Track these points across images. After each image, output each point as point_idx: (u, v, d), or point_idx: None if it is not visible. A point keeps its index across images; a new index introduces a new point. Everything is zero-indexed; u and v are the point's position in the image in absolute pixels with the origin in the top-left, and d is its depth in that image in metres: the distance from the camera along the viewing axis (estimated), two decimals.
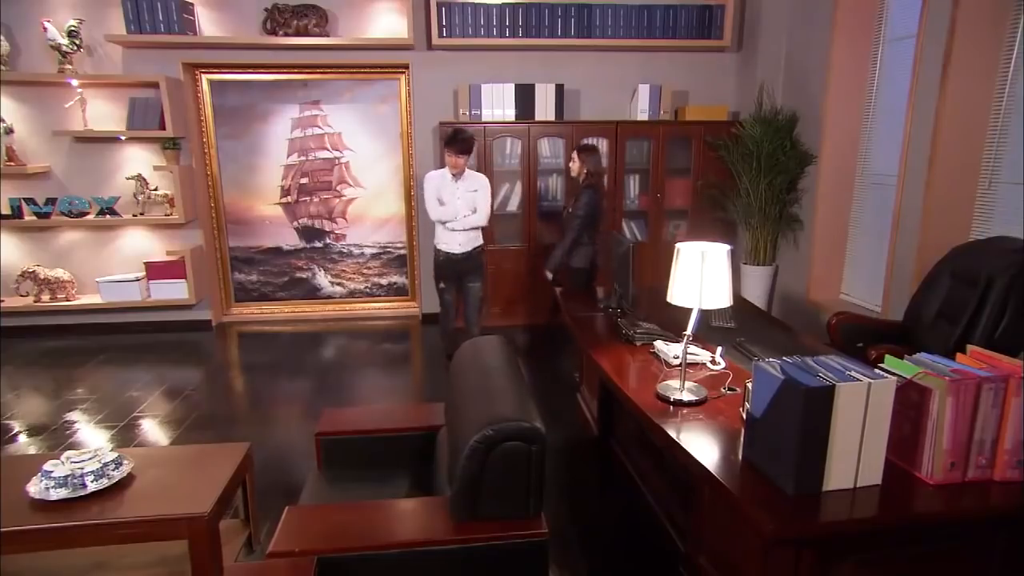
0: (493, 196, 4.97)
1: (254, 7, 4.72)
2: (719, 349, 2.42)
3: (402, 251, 5.53)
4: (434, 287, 4.25)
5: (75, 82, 4.58)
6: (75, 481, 1.93)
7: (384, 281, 5.59)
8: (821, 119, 4.41)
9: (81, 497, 1.91)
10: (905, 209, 3.63)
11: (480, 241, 4.09)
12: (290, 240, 5.43)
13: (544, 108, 4.93)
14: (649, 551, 2.44)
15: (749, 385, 1.86)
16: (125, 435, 3.40)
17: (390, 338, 5.10)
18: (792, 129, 4.71)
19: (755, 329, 2.81)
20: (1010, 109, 3.17)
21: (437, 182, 3.96)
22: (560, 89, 4.92)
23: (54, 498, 1.89)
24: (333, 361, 4.60)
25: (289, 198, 5.34)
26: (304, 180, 5.32)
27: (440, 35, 4.74)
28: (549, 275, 4.27)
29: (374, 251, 5.53)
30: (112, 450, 2.05)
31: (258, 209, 5.33)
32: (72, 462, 1.96)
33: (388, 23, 4.88)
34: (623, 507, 2.76)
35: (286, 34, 4.62)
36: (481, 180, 4.00)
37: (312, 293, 5.56)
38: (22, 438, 3.36)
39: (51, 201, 4.72)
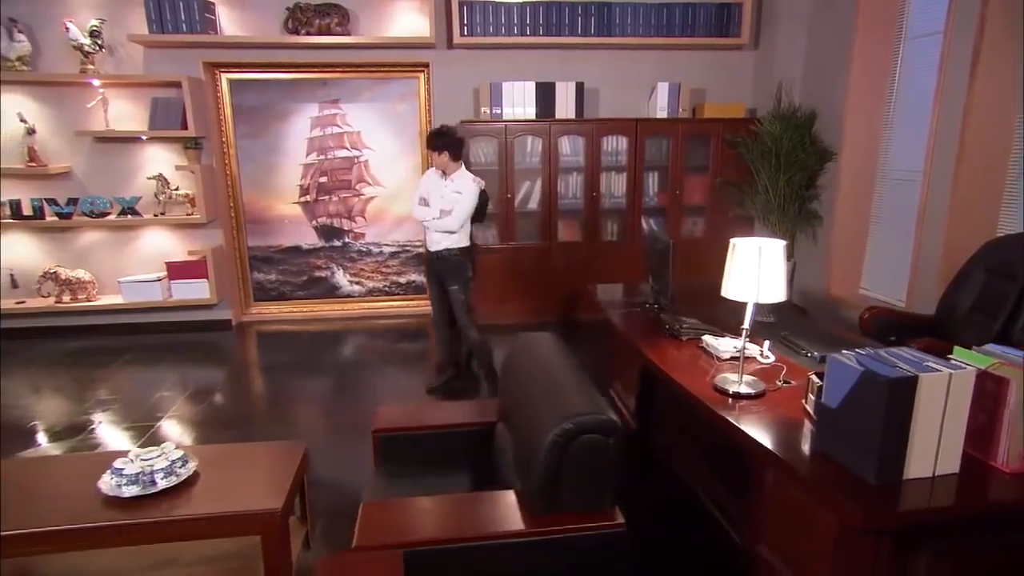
0: (512, 193, 5.03)
1: (275, 6, 4.72)
2: (766, 343, 2.45)
3: (420, 249, 5.54)
4: None
5: (97, 82, 4.57)
6: (145, 478, 1.95)
7: (403, 280, 5.60)
8: (842, 116, 4.46)
9: (152, 494, 1.93)
10: (931, 205, 3.67)
11: (456, 244, 3.74)
12: (309, 239, 5.44)
13: (564, 106, 4.96)
14: (699, 542, 2.48)
15: (813, 378, 1.91)
16: (158, 435, 3.40)
17: (409, 337, 5.12)
18: (811, 126, 4.75)
19: (795, 323, 2.85)
20: None
21: (426, 180, 3.87)
22: (580, 87, 4.95)
23: (126, 495, 1.91)
24: (353, 360, 4.61)
25: (308, 197, 5.35)
26: (323, 179, 5.33)
27: (462, 34, 4.75)
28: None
29: (393, 250, 5.55)
30: (176, 448, 2.07)
31: (277, 208, 5.33)
32: (141, 460, 1.98)
33: (408, 22, 4.89)
34: (667, 500, 2.79)
35: (308, 33, 4.62)
36: (467, 185, 3.69)
37: (331, 292, 5.57)
38: (47, 439, 3.35)
39: (72, 201, 4.71)
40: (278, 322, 5.43)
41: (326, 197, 5.37)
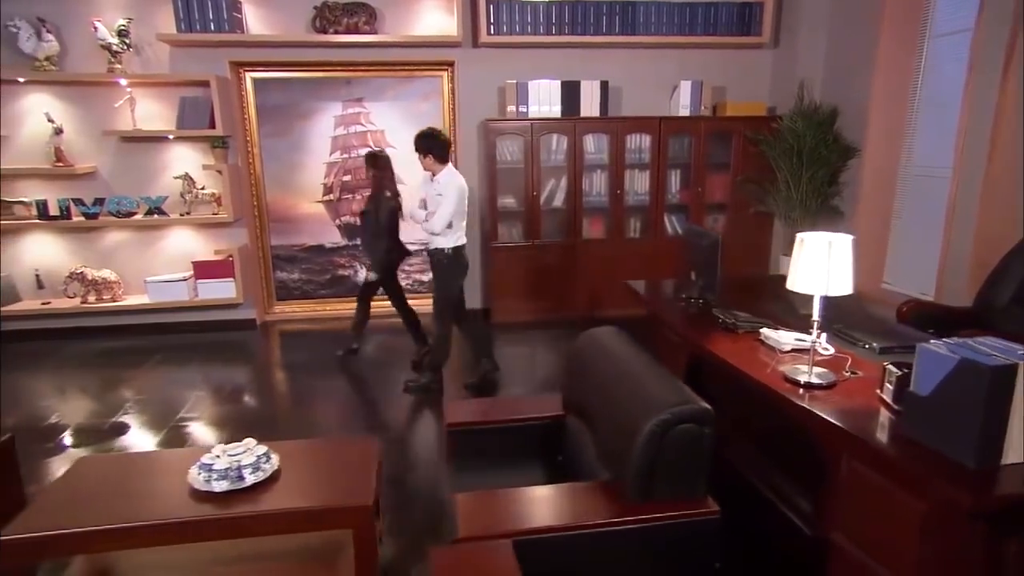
0: (537, 191, 5.06)
1: (301, 5, 4.72)
2: (823, 335, 2.50)
3: None
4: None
5: (124, 81, 4.55)
6: (233, 473, 1.96)
7: (425, 278, 5.62)
8: (865, 113, 4.53)
9: (242, 489, 1.95)
10: (960, 201, 3.75)
11: (442, 244, 3.77)
12: (332, 238, 5.44)
13: (589, 105, 5.00)
14: (762, 530, 2.53)
15: (890, 367, 1.96)
16: (201, 434, 3.41)
17: (431, 334, 5.13)
18: (833, 123, 4.82)
19: (840, 316, 2.90)
20: None
21: (423, 182, 3.92)
22: (605, 86, 5.00)
23: (217, 490, 1.93)
24: (379, 359, 4.61)
25: (332, 196, 5.36)
26: (347, 178, 5.33)
27: (489, 32, 4.78)
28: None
29: (415, 248, 5.54)
30: (259, 444, 2.09)
31: (301, 207, 5.33)
32: (229, 455, 2.00)
33: (433, 20, 4.91)
34: (725, 489, 2.83)
35: (336, 32, 4.63)
36: (448, 188, 3.67)
37: (353, 291, 5.54)
38: (97, 439, 3.35)
39: (99, 201, 4.69)
40: (300, 321, 5.44)
41: (349, 195, 5.37)
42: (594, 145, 5.11)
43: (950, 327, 2.97)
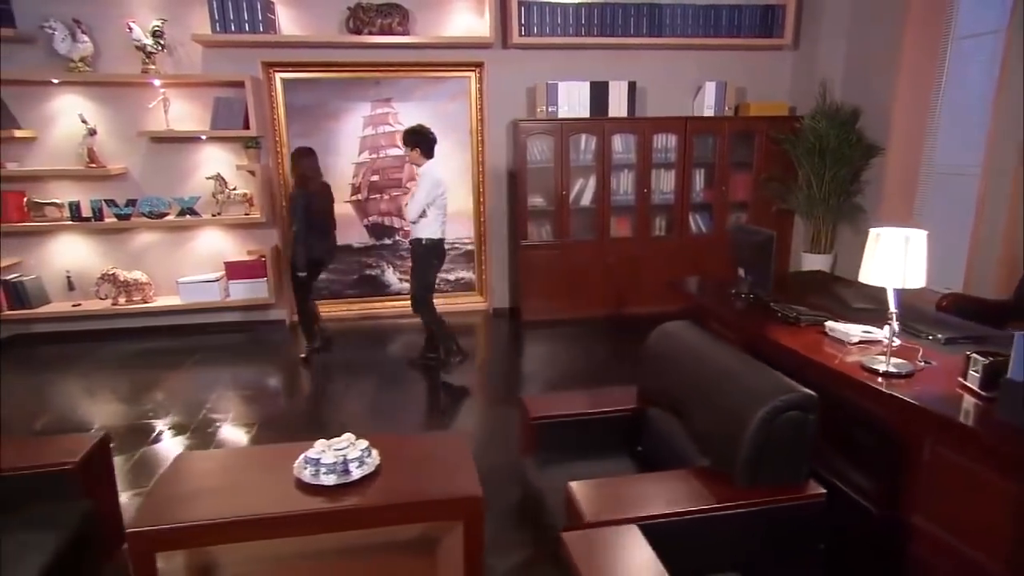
0: (567, 190, 5.13)
1: (333, 5, 4.75)
2: (886, 327, 2.60)
3: (469, 247, 5.62)
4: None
5: (158, 82, 4.55)
6: (340, 467, 2.01)
7: (452, 277, 5.67)
8: (889, 113, 4.65)
9: (350, 483, 1.99)
10: (990, 198, 3.88)
11: (418, 234, 4.08)
12: (360, 238, 5.47)
13: (617, 105, 5.08)
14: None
15: (976, 356, 2.05)
16: (261, 433, 3.44)
17: (459, 333, 5.18)
18: (855, 123, 4.94)
19: (907, 312, 3.00)
20: None
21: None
22: (632, 87, 5.08)
23: (326, 483, 1.97)
24: (408, 357, 4.63)
25: (360, 196, 5.38)
26: (375, 178, 5.36)
27: (520, 34, 4.84)
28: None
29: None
30: (360, 439, 2.13)
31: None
32: (335, 450, 2.04)
33: (463, 21, 4.96)
34: None
35: (370, 33, 4.67)
36: (422, 179, 3.99)
37: (380, 290, 5.61)
38: (162, 439, 3.36)
39: (131, 202, 4.68)
40: (329, 321, 5.43)
41: (377, 195, 5.40)
42: (622, 145, 5.19)
43: (992, 319, 3.10)
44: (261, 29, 4.53)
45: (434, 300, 4.37)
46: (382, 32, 4.68)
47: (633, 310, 5.41)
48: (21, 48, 4.42)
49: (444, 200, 4.09)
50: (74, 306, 4.78)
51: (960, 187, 4.36)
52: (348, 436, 2.14)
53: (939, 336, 2.54)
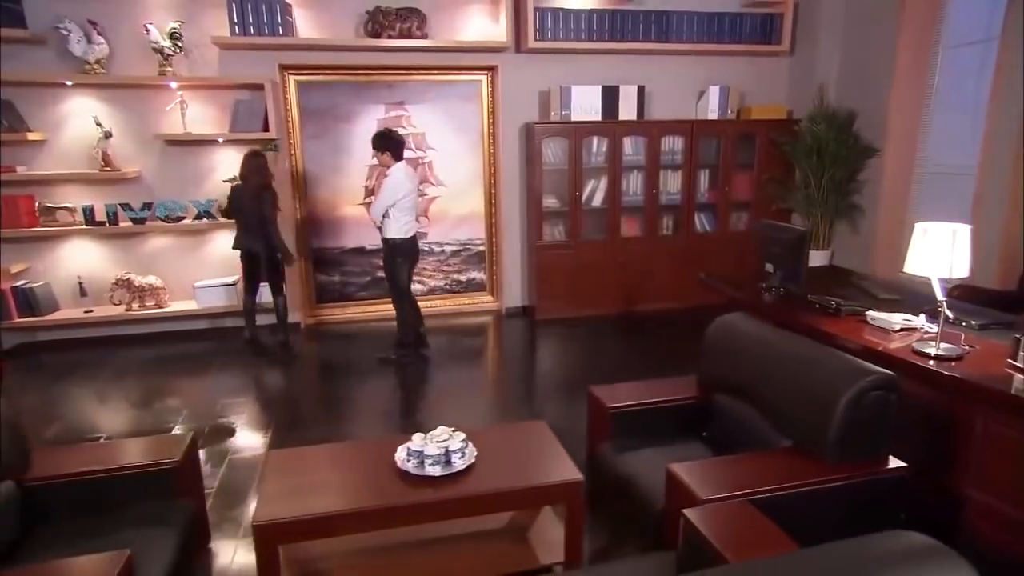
0: (580, 191, 5.27)
1: (349, 9, 4.78)
2: (922, 316, 2.80)
3: (480, 248, 5.70)
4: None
5: (175, 84, 4.50)
6: (443, 458, 2.08)
7: (463, 277, 5.74)
8: (884, 116, 4.93)
9: (454, 473, 2.06)
10: (986, 195, 4.16)
11: (385, 235, 4.24)
12: (373, 240, 5.48)
13: (627, 108, 5.24)
14: None
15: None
16: (293, 432, 3.46)
17: (472, 333, 5.28)
18: (851, 125, 5.22)
19: (921, 300, 3.22)
20: None
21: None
22: (641, 90, 5.25)
23: (432, 474, 2.04)
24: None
25: (373, 198, 5.39)
26: None
27: (535, 39, 4.95)
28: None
29: (454, 248, 5.67)
30: (456, 431, 2.21)
31: (341, 209, 5.36)
32: (437, 441, 2.11)
33: (477, 25, 5.05)
34: None
35: (390, 36, 4.71)
36: (387, 179, 4.15)
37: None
38: (213, 440, 3.34)
39: (147, 206, 4.61)
40: (343, 323, 5.45)
41: None
42: (631, 147, 5.35)
43: (1001, 308, 3.34)
44: (281, 32, 4.53)
45: (413, 296, 4.61)
46: (401, 36, 4.73)
47: (643, 307, 5.58)
48: (31, 49, 4.32)
49: (407, 202, 4.19)
50: (86, 312, 4.68)
51: (953, 186, 4.65)
52: (444, 429, 2.21)
53: (973, 322, 2.75)
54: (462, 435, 2.18)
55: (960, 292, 3.62)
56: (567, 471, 2.09)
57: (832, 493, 1.93)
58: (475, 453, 2.15)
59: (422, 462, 2.08)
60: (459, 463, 2.09)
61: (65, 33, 4.19)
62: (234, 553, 2.39)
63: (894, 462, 2.00)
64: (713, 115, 5.46)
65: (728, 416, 2.46)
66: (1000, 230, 4.07)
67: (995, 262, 4.09)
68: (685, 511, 1.75)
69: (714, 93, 5.42)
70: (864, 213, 5.23)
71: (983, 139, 4.18)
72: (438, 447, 2.09)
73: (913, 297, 3.25)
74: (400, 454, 2.13)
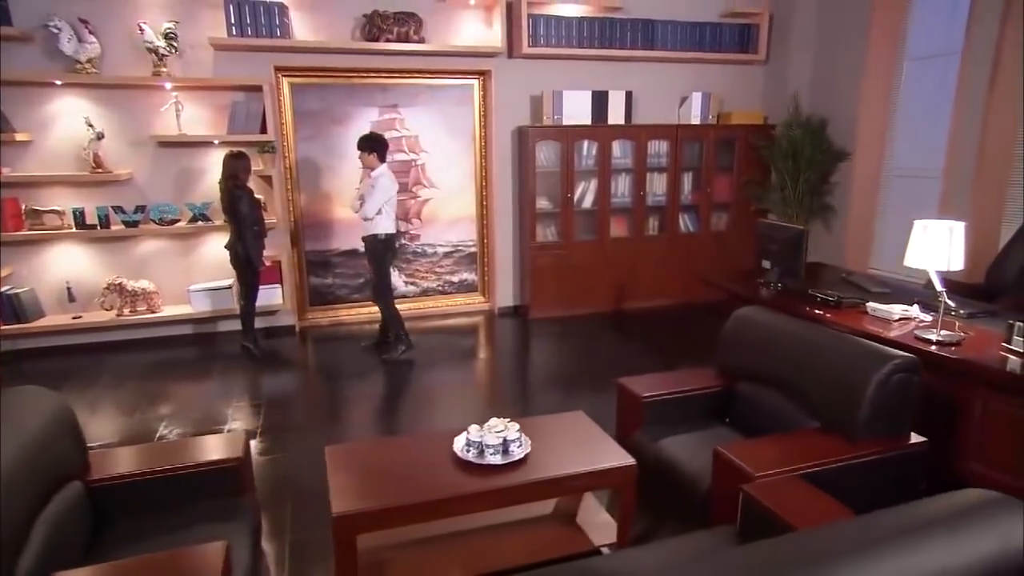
0: (571, 193, 5.42)
1: (344, 12, 4.80)
2: (916, 306, 3.05)
3: (472, 249, 5.78)
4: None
5: (169, 85, 4.43)
6: (502, 448, 2.18)
7: (455, 279, 5.81)
8: (854, 123, 5.26)
9: (514, 461, 2.16)
10: (951, 196, 4.51)
11: (374, 231, 4.35)
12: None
13: (616, 113, 5.42)
14: None
15: (1019, 324, 2.49)
16: (316, 432, 3.48)
17: (463, 333, 5.38)
18: (824, 131, 5.54)
19: (905, 293, 3.49)
20: None
21: (362, 180, 4.50)
22: (629, 96, 5.44)
23: (494, 463, 2.13)
24: (420, 358, 4.69)
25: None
26: None
27: (529, 44, 5.07)
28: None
29: (446, 250, 5.74)
30: (510, 422, 2.30)
31: (335, 212, 5.35)
32: (495, 432, 2.20)
33: (471, 31, 5.14)
34: None
35: (388, 40, 4.75)
36: (379, 180, 4.27)
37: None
38: None
39: (140, 209, 4.52)
40: (336, 325, 5.44)
41: None
42: (620, 150, 5.53)
43: (973, 299, 3.64)
44: (278, 34, 4.52)
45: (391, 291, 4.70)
46: (399, 39, 4.78)
47: (632, 305, 5.77)
48: (17, 47, 4.18)
49: (395, 199, 4.41)
50: (74, 318, 4.54)
51: (917, 187, 5.01)
52: (498, 420, 2.30)
53: (962, 312, 3.01)
54: (516, 425, 2.28)
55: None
56: (620, 456, 2.21)
57: (863, 468, 2.12)
58: (530, 442, 2.25)
59: (482, 451, 2.16)
60: (517, 452, 2.19)
61: (55, 31, 4.08)
62: (286, 546, 2.44)
63: (916, 438, 2.21)
64: (696, 120, 5.70)
65: (751, 402, 2.64)
66: (965, 228, 4.40)
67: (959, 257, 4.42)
68: (744, 486, 1.90)
69: (696, 99, 5.66)
70: (836, 213, 5.56)
71: (948, 144, 4.53)
72: (496, 437, 2.19)
73: (896, 290, 3.52)
74: (459, 445, 2.21)
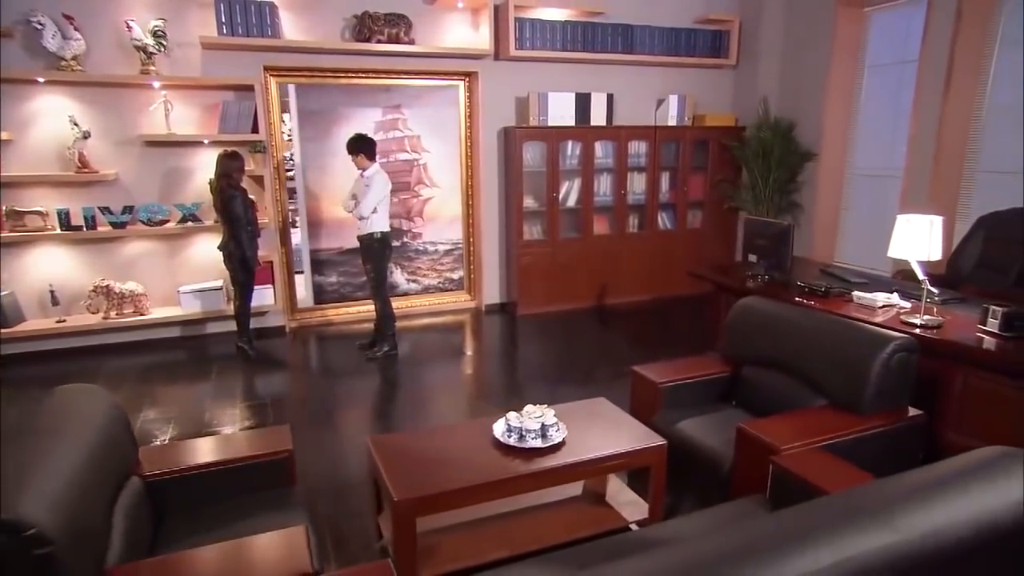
0: (557, 192, 5.58)
1: (335, 13, 4.82)
2: (895, 294, 3.32)
3: (460, 248, 5.85)
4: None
5: (158, 84, 4.37)
6: (541, 432, 2.30)
7: (455, 276, 5.87)
8: (820, 125, 5.59)
9: (553, 445, 2.28)
10: (911, 192, 4.86)
11: (370, 230, 4.38)
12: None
13: (598, 115, 5.61)
14: None
15: (993, 307, 2.76)
16: (322, 430, 3.52)
17: (461, 328, 5.48)
18: (791, 132, 5.86)
19: (885, 282, 3.76)
20: (987, 119, 4.50)
21: (355, 180, 4.53)
22: (611, 98, 5.63)
23: (535, 446, 2.25)
24: (416, 356, 4.76)
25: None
26: None
27: (516, 47, 5.20)
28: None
29: (447, 247, 5.80)
30: (547, 407, 2.42)
31: (340, 211, 5.29)
32: (534, 417, 2.32)
33: (458, 33, 5.23)
34: None
35: (379, 41, 4.80)
36: (374, 179, 4.33)
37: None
38: None
39: (128, 209, 4.43)
40: (324, 325, 5.42)
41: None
42: (602, 151, 5.72)
43: (938, 287, 3.95)
44: (269, 33, 4.51)
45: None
46: (390, 40, 4.83)
47: (614, 300, 5.97)
48: None
49: (388, 198, 4.47)
50: (58, 322, 4.42)
51: (879, 185, 5.38)
52: (536, 406, 2.42)
53: (936, 298, 3.29)
54: (552, 411, 2.40)
55: (902, 274, 4.23)
56: (650, 436, 2.36)
57: (872, 439, 2.33)
58: (566, 426, 2.38)
59: (522, 436, 2.28)
60: (556, 435, 2.31)
61: (39, 27, 3.97)
62: (326, 536, 2.50)
63: (914, 411, 2.44)
64: (672, 122, 5.94)
65: (757, 384, 2.84)
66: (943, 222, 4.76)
67: None
68: (773, 457, 2.07)
69: (673, 101, 5.90)
70: (803, 210, 5.89)
71: (908, 145, 4.89)
72: (536, 422, 2.30)
73: (872, 281, 3.80)
74: (499, 430, 2.32)
